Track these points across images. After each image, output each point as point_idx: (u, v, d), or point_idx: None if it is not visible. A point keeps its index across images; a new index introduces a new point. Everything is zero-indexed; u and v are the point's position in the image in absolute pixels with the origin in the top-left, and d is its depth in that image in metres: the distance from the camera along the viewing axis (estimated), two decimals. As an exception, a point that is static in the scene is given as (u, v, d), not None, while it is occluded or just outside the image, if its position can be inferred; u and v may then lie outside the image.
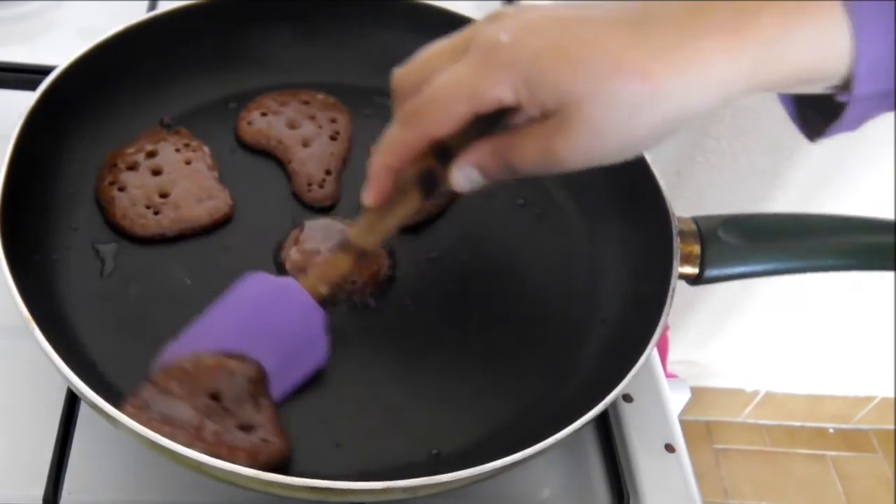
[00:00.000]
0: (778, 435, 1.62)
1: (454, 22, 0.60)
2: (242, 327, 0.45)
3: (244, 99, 0.58)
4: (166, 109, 0.56)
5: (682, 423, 0.52)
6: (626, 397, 0.52)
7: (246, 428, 0.41)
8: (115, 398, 0.38)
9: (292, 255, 0.50)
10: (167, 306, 0.47)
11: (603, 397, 0.42)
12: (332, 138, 0.57)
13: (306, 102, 0.58)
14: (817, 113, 0.39)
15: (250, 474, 0.36)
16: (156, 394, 0.40)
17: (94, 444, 0.45)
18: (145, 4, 0.65)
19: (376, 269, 0.50)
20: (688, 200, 1.13)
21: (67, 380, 0.38)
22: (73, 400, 0.45)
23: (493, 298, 0.52)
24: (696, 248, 0.51)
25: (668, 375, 0.56)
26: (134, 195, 0.51)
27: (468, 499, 0.46)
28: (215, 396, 0.41)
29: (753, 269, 0.52)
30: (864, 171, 1.09)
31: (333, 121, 0.58)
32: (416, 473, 0.38)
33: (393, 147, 0.40)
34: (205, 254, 0.50)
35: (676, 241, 0.50)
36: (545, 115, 0.36)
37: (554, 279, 0.54)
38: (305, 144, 0.56)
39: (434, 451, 0.44)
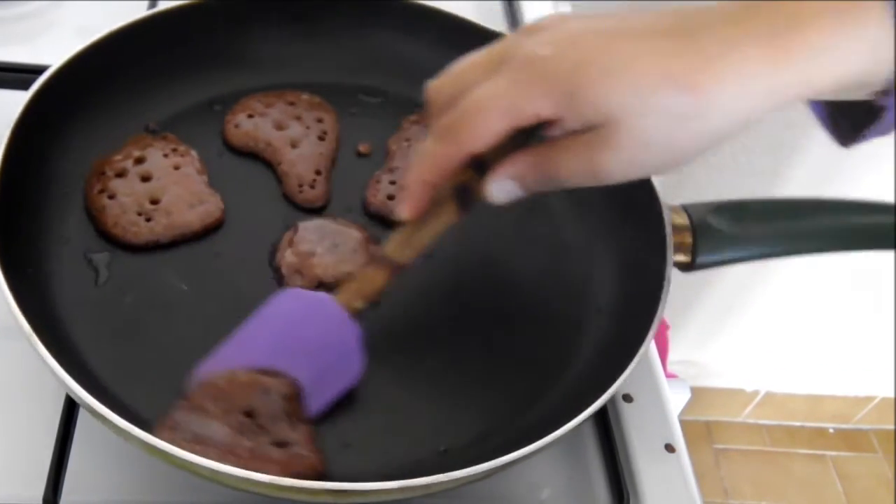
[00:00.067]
0: (778, 435, 1.62)
1: (428, 15, 0.61)
2: (276, 343, 0.44)
3: (228, 101, 0.58)
4: (150, 115, 0.56)
5: (682, 423, 0.52)
6: (626, 397, 0.52)
7: (280, 444, 0.40)
8: (123, 411, 0.38)
9: (287, 257, 0.49)
10: (165, 314, 0.47)
11: (606, 388, 0.42)
12: (321, 138, 0.57)
13: (292, 103, 0.58)
14: (848, 118, 0.39)
15: (268, 480, 0.36)
16: (189, 413, 0.40)
17: (93, 445, 0.45)
18: (145, 4, 0.65)
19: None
20: (688, 200, 1.13)
21: (83, 401, 0.38)
22: (72, 401, 0.45)
23: (488, 294, 0.52)
24: (688, 236, 0.51)
25: (668, 375, 0.56)
26: (124, 203, 0.50)
27: (468, 499, 0.46)
28: (250, 414, 0.41)
29: (746, 253, 0.52)
30: (864, 170, 1.09)
31: (320, 120, 0.57)
32: (426, 470, 0.38)
33: (430, 161, 0.39)
34: (199, 259, 0.50)
35: (669, 230, 0.50)
36: (586, 127, 0.36)
37: (548, 272, 0.54)
38: (294, 145, 0.56)
39: (442, 448, 0.44)
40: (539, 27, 0.37)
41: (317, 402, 0.43)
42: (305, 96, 0.59)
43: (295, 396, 0.42)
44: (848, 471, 1.59)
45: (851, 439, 1.63)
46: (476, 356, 0.49)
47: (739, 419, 1.63)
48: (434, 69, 0.61)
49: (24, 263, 0.45)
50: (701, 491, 0.49)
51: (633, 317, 0.47)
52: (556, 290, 0.53)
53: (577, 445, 0.50)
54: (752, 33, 0.34)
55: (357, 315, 0.44)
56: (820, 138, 0.43)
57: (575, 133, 0.37)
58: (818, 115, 0.41)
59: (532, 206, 0.56)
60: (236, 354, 0.43)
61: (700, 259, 0.51)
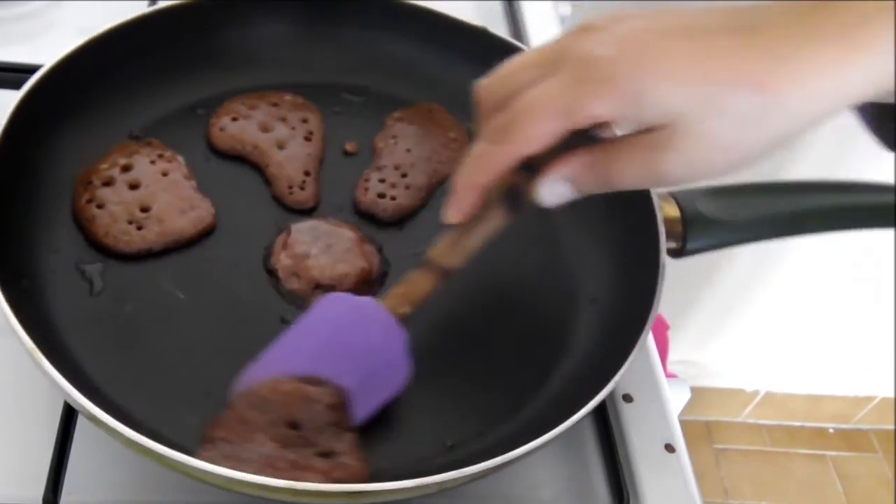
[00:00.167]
0: (778, 435, 1.62)
1: (408, 12, 0.60)
2: (322, 349, 0.43)
3: (211, 104, 0.57)
4: (132, 121, 0.55)
5: (682, 423, 0.52)
6: (626, 397, 0.52)
7: (325, 455, 0.40)
8: (130, 422, 0.38)
9: (283, 260, 0.49)
10: (163, 322, 0.47)
11: (610, 377, 0.43)
12: (307, 139, 0.56)
13: (275, 104, 0.57)
14: (891, 122, 0.38)
15: (281, 485, 0.36)
16: (231, 430, 0.39)
17: (93, 445, 0.45)
18: (144, 4, 0.65)
19: (368, 268, 0.50)
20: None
21: (103, 422, 0.37)
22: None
23: (484, 289, 0.52)
24: (678, 223, 0.51)
25: (668, 375, 0.56)
26: (114, 212, 0.49)
27: (469, 499, 0.46)
28: (294, 425, 0.40)
29: (737, 237, 0.52)
30: (864, 170, 1.09)
31: (305, 121, 0.57)
32: (437, 467, 0.38)
33: (482, 163, 0.38)
34: (192, 266, 0.49)
35: (660, 217, 0.50)
36: (646, 128, 0.35)
37: (540, 265, 0.53)
38: (281, 147, 0.55)
39: (449, 444, 0.44)
40: (594, 27, 0.36)
41: (363, 409, 0.42)
42: (289, 97, 0.58)
43: (340, 405, 0.41)
44: (848, 471, 1.59)
45: (851, 439, 1.63)
46: (475, 350, 0.49)
47: (739, 419, 1.63)
48: (416, 66, 0.62)
49: (19, 275, 0.45)
50: (701, 491, 0.49)
51: (631, 306, 0.48)
52: (551, 283, 0.53)
53: (577, 445, 0.50)
54: (825, 29, 0.33)
55: (403, 320, 0.44)
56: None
57: (633, 134, 0.36)
58: (864, 120, 0.41)
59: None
60: (280, 361, 0.43)
61: (690, 245, 0.51)
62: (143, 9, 0.57)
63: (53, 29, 0.68)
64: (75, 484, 0.43)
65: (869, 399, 1.59)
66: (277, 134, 0.56)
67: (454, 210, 0.40)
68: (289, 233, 0.51)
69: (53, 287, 0.47)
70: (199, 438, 0.41)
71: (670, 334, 1.00)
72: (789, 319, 1.41)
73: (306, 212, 0.53)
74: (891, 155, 1.09)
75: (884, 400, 1.58)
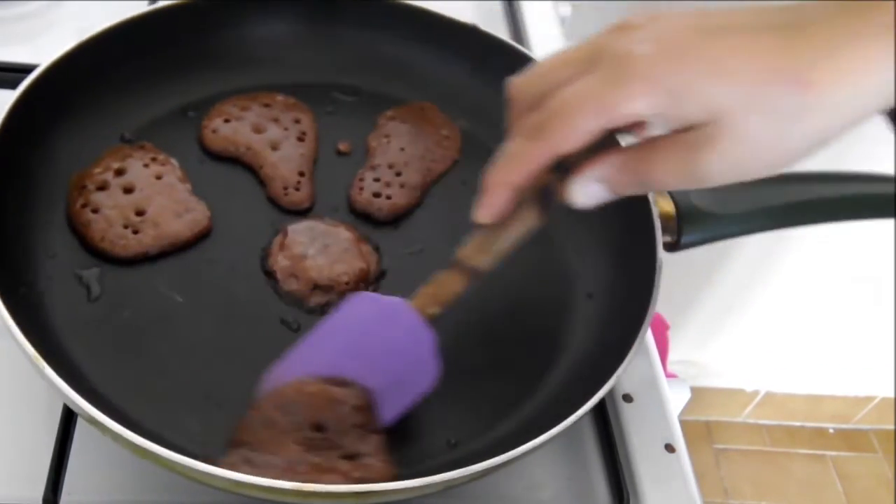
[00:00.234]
0: (778, 435, 1.62)
1: (398, 12, 0.60)
2: (349, 349, 0.43)
3: (202, 106, 0.57)
4: (123, 125, 0.55)
5: (682, 423, 0.52)
6: (626, 397, 0.52)
7: (350, 457, 0.40)
8: (130, 425, 0.37)
9: (280, 261, 0.49)
10: (163, 326, 0.47)
11: (613, 371, 0.43)
12: (300, 139, 0.56)
13: (267, 105, 0.57)
14: None
15: (287, 487, 0.36)
16: (257, 428, 0.39)
17: (93, 445, 0.45)
18: (144, 4, 0.65)
19: (366, 268, 0.50)
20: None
21: (113, 432, 0.37)
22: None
23: (481, 288, 0.51)
24: (672, 217, 0.51)
25: (668, 375, 0.56)
26: (110, 216, 0.49)
27: (469, 499, 0.46)
28: (319, 427, 0.40)
29: (730, 230, 0.52)
30: (862, 161, 1.09)
31: (297, 121, 0.57)
32: (440, 466, 0.38)
33: (516, 162, 0.37)
34: (190, 269, 0.49)
35: (655, 212, 0.50)
36: (685, 127, 0.34)
37: (537, 263, 0.53)
38: (274, 148, 0.55)
39: (452, 441, 0.44)
40: (631, 25, 0.35)
41: (390, 410, 0.42)
42: (280, 97, 0.58)
43: (366, 407, 0.41)
44: (848, 471, 1.59)
45: (851, 439, 1.63)
46: (475, 348, 0.49)
47: (739, 419, 1.63)
48: (407, 65, 0.62)
49: (17, 282, 0.45)
50: (701, 491, 0.49)
51: (629, 302, 0.48)
52: (547, 280, 0.53)
53: (577, 445, 0.50)
54: (863, 30, 0.32)
55: (432, 321, 0.43)
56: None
57: (671, 134, 0.35)
58: (892, 124, 0.41)
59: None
60: (306, 361, 0.42)
61: (685, 238, 0.51)
62: (142, 9, 0.57)
63: (53, 29, 0.68)
64: (75, 484, 0.43)
65: (869, 399, 1.59)
66: (270, 135, 0.56)
67: (485, 209, 0.39)
68: (285, 234, 0.51)
69: (51, 293, 0.46)
70: (199, 440, 0.41)
71: (670, 334, 1.00)
72: (789, 319, 1.41)
73: (302, 212, 0.53)
74: (888, 159, 1.09)
75: (884, 400, 1.58)
